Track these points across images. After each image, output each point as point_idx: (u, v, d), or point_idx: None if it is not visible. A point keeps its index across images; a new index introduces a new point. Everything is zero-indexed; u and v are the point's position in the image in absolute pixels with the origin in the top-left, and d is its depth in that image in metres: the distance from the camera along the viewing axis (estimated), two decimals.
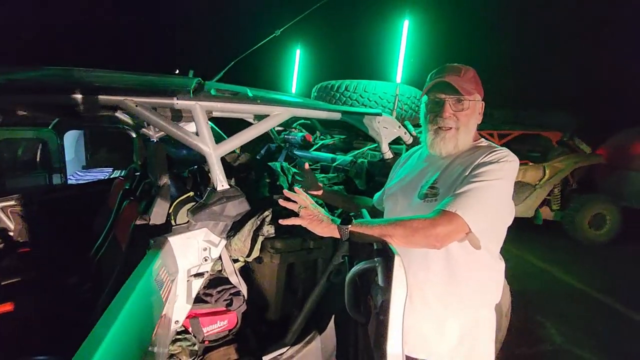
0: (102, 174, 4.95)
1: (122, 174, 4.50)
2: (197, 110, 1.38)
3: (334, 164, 2.35)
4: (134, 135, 4.27)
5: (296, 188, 1.20)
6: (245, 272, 1.84)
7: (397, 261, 0.92)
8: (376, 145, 2.49)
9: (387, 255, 1.02)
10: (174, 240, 1.30)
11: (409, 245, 1.01)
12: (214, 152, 1.40)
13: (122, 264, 1.47)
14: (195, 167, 2.04)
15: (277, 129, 3.14)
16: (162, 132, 2.54)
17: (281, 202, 1.15)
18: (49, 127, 3.64)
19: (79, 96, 1.13)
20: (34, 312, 1.61)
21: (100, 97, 1.17)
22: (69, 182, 4.39)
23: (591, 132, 5.70)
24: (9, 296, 1.67)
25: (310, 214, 1.10)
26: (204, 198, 1.42)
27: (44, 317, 1.58)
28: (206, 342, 1.60)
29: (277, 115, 1.57)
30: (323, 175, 2.23)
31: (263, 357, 1.61)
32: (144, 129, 2.54)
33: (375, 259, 1.07)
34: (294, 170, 2.46)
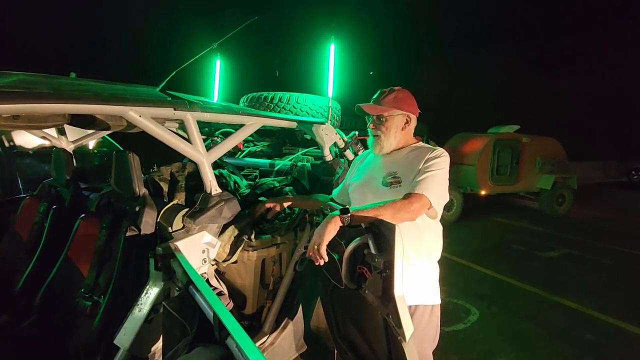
0: None
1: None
2: (189, 119, 1.44)
3: (275, 169, 2.56)
4: None
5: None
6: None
7: (397, 230, 1.27)
8: (307, 150, 2.82)
9: (378, 230, 1.37)
10: (180, 245, 1.34)
11: (395, 220, 1.37)
12: (205, 159, 1.49)
13: (118, 274, 1.36)
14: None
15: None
16: (77, 144, 2.29)
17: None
18: None
19: (86, 106, 1.09)
20: None
21: (106, 106, 1.15)
22: None
23: (439, 135, 7.44)
24: None
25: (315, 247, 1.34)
26: (199, 203, 1.48)
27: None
28: None
29: (251, 125, 1.74)
30: (272, 178, 2.41)
31: None
32: (54, 141, 2.22)
33: (366, 235, 1.40)
34: (235, 177, 2.57)
